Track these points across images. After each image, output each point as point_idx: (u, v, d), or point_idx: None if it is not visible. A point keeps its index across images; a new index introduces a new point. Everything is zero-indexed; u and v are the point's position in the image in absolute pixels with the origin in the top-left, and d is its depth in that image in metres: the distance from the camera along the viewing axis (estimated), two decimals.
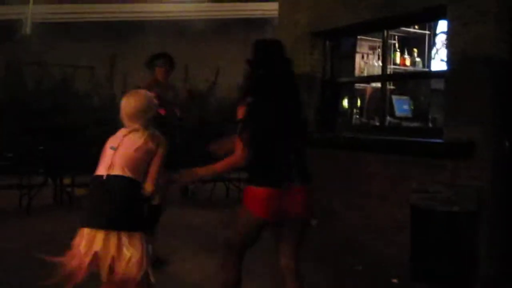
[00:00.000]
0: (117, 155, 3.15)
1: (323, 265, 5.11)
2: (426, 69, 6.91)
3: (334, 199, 5.99)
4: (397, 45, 6.92)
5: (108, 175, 3.11)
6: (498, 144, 4.59)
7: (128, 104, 3.28)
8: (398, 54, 6.89)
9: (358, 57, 7.16)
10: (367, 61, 7.13)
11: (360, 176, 5.74)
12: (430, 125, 6.28)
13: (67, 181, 8.22)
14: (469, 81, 4.74)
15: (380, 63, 6.52)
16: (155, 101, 3.44)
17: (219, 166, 3.33)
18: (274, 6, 8.21)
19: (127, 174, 3.13)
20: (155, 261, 4.70)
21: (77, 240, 3.10)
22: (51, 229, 6.54)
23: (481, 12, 4.64)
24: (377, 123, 6.49)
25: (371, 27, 6.24)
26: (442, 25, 6.39)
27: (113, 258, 3.05)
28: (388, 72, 6.37)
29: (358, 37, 7.05)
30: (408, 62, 6.95)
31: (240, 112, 3.21)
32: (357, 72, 7.14)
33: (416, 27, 6.90)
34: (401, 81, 7.27)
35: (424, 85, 7.31)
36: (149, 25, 12.34)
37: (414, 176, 4.99)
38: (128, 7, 12.88)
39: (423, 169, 4.99)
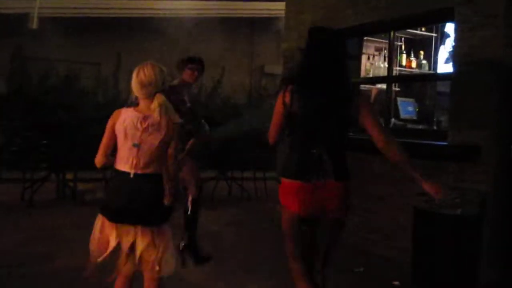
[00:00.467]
0: (141, 152, 3.17)
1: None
2: (432, 72, 6.88)
3: None
4: (403, 47, 6.90)
5: (135, 174, 3.16)
6: (503, 149, 4.57)
7: (143, 73, 3.24)
8: (404, 56, 6.87)
9: (364, 58, 7.15)
10: (373, 62, 7.11)
11: (364, 177, 5.72)
12: (435, 127, 6.25)
13: (69, 176, 8.23)
14: (475, 85, 4.72)
15: (386, 65, 6.50)
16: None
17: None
18: (281, 5, 8.19)
19: (153, 170, 3.21)
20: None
21: (101, 232, 3.20)
22: (52, 224, 6.56)
23: (489, 16, 4.63)
24: (382, 125, 6.46)
25: (377, 28, 6.23)
26: (449, 28, 6.38)
27: (133, 248, 3.17)
28: (394, 74, 6.35)
29: (364, 38, 7.04)
30: (414, 64, 6.93)
31: (278, 99, 3.17)
32: (362, 73, 7.13)
33: (423, 29, 6.87)
34: (407, 83, 7.25)
35: (430, 88, 7.30)
36: (155, 22, 12.32)
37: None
38: (135, 3, 12.85)
39: (427, 171, 4.96)
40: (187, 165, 5.01)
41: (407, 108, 6.78)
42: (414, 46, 7.04)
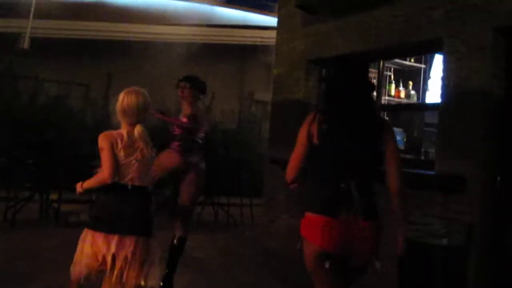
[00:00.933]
0: (141, 166, 3.44)
1: None
2: (421, 102, 6.95)
3: None
4: (392, 77, 6.97)
5: (133, 186, 3.40)
6: (489, 179, 4.58)
7: (126, 102, 3.43)
8: (393, 86, 6.94)
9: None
10: None
11: None
12: (422, 158, 6.28)
13: (54, 196, 8.13)
14: (462, 115, 4.75)
15: (375, 94, 6.54)
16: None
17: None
18: (272, 33, 8.26)
19: (145, 183, 3.49)
20: None
21: (92, 246, 3.27)
22: (34, 244, 6.44)
23: (477, 47, 4.68)
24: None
25: (367, 57, 6.28)
26: (438, 60, 6.46)
27: (126, 260, 3.27)
28: (382, 103, 6.39)
29: None
30: (403, 95, 7.00)
31: (302, 130, 3.05)
32: None
33: (412, 60, 6.96)
34: (395, 113, 7.30)
35: (418, 119, 7.36)
36: (146, 46, 12.38)
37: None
38: (125, 27, 12.94)
39: (413, 201, 4.96)
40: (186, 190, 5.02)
41: None
42: (403, 76, 7.12)
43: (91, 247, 3.25)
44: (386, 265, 5.06)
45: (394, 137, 3.15)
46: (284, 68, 7.32)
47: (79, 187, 3.45)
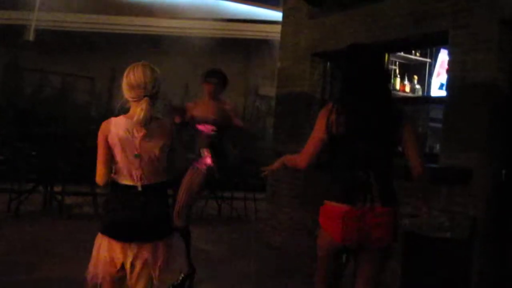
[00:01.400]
0: (144, 163, 2.95)
1: None
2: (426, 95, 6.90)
3: None
4: (397, 71, 6.92)
5: (143, 186, 2.95)
6: (494, 173, 4.55)
7: (132, 74, 2.99)
8: (398, 80, 6.88)
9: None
10: None
11: None
12: (427, 150, 6.24)
13: (57, 188, 8.15)
14: (467, 108, 4.72)
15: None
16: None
17: (289, 160, 3.29)
18: (278, 28, 8.22)
19: (160, 179, 3.03)
20: None
21: (109, 252, 2.94)
22: (37, 235, 6.47)
23: (483, 40, 4.64)
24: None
25: None
26: (444, 54, 6.41)
27: (143, 265, 2.95)
28: None
29: None
30: (408, 89, 6.93)
31: (320, 119, 3.06)
32: None
33: (418, 54, 6.91)
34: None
35: (423, 114, 7.30)
36: (151, 40, 12.37)
37: (409, 200, 4.92)
38: (131, 20, 12.92)
39: (418, 194, 4.93)
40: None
41: None
42: (408, 70, 7.06)
43: (108, 252, 2.93)
44: (392, 260, 5.05)
45: (414, 124, 3.22)
46: (289, 61, 7.28)
47: None
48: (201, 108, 5.13)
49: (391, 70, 6.72)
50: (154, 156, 2.96)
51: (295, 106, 6.97)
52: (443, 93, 5.71)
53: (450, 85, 4.96)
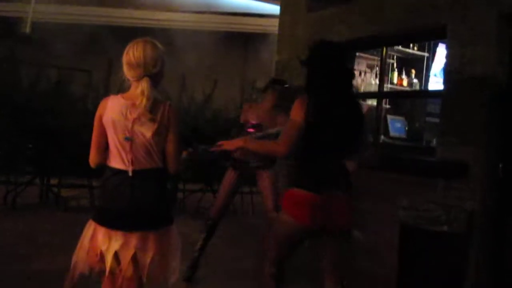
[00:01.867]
0: (135, 146, 2.76)
1: (313, 285, 5.03)
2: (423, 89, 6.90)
3: None
4: (395, 65, 6.92)
5: (134, 171, 2.76)
6: (491, 166, 4.55)
7: (132, 52, 2.85)
8: (395, 73, 6.89)
9: (355, 74, 7.14)
10: (364, 79, 7.12)
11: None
12: (424, 144, 6.25)
13: (54, 181, 8.14)
14: (465, 102, 4.71)
15: (377, 81, 6.50)
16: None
17: (261, 145, 3.36)
18: (275, 22, 8.21)
19: (154, 165, 2.82)
20: None
21: (92, 241, 2.77)
22: (33, 228, 6.46)
23: (482, 34, 4.63)
24: (371, 140, 6.45)
25: (370, 43, 6.22)
26: (441, 48, 6.40)
27: (134, 256, 2.73)
28: (384, 90, 6.34)
29: (357, 54, 7.05)
30: (405, 83, 6.95)
31: (296, 108, 3.14)
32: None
33: (415, 48, 6.90)
34: (397, 102, 7.25)
35: (420, 108, 7.30)
36: (148, 32, 12.27)
37: (406, 193, 4.93)
38: (129, 13, 12.89)
39: (415, 187, 4.93)
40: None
41: (396, 126, 6.77)
42: (406, 64, 7.07)
43: (90, 241, 2.76)
44: (385, 252, 5.06)
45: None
46: (287, 54, 7.27)
47: None
48: (259, 115, 5.16)
49: (389, 64, 6.73)
50: (146, 140, 2.77)
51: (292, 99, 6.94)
52: (440, 87, 5.70)
53: (447, 79, 4.95)
